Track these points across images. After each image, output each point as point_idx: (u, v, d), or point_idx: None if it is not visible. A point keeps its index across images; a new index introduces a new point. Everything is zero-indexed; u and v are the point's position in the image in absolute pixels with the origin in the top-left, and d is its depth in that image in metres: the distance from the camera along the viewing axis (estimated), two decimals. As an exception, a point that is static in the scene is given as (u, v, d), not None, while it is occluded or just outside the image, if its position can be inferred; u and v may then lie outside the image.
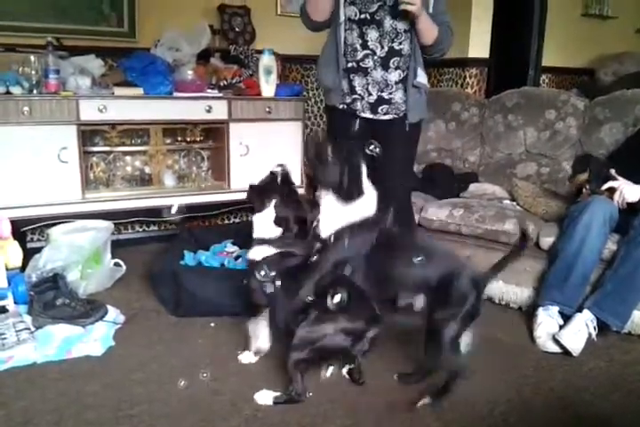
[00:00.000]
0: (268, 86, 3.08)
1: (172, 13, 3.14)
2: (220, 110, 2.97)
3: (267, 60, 3.04)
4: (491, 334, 2.24)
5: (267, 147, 3.10)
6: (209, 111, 2.94)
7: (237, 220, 3.66)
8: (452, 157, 3.19)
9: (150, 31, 3.11)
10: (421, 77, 2.23)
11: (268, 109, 3.08)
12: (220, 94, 2.99)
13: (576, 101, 2.94)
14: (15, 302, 2.24)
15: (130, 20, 3.11)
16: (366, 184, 1.77)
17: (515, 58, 4.10)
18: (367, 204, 1.78)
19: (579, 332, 2.08)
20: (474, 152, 3.18)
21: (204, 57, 3.14)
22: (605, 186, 2.23)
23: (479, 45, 3.79)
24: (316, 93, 3.70)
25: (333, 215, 1.76)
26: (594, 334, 2.12)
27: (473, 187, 2.90)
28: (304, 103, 3.27)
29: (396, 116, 2.27)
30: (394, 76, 2.21)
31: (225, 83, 3.08)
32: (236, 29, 3.36)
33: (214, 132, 3.12)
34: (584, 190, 2.33)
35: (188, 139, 3.13)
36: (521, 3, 4.18)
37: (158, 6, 3.13)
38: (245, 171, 3.07)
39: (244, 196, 3.10)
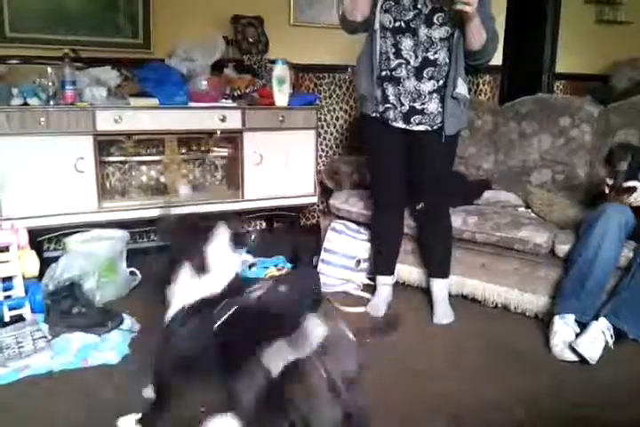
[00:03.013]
0: (281, 96, 3.10)
1: (186, 24, 3.18)
2: (233, 120, 2.99)
3: (280, 70, 3.06)
4: (507, 342, 2.23)
5: (280, 155, 3.11)
6: (223, 121, 2.96)
7: (250, 228, 3.67)
8: (465, 164, 3.18)
9: (165, 42, 3.15)
10: (461, 88, 2.18)
11: (281, 118, 3.09)
12: (234, 104, 3.01)
13: (590, 108, 2.92)
14: (32, 311, 2.27)
15: (145, 31, 3.14)
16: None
17: (528, 65, 4.09)
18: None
19: (595, 340, 2.05)
20: (488, 159, 3.16)
21: (218, 67, 3.17)
22: (629, 183, 2.20)
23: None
24: (329, 102, 3.72)
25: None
26: (611, 342, 2.09)
27: (487, 194, 2.89)
28: (317, 112, 3.28)
29: (429, 127, 2.23)
30: (427, 86, 2.17)
31: (239, 93, 3.10)
32: (250, 40, 3.38)
33: (228, 142, 3.15)
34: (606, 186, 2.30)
35: (203, 148, 3.16)
36: (534, 9, 4.18)
37: (173, 18, 3.17)
38: (259, 180, 3.09)
39: (257, 204, 3.16)
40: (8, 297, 2.27)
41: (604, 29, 4.64)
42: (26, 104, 2.58)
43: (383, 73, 2.21)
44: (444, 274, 2.50)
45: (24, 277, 2.33)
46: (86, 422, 1.67)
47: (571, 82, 4.57)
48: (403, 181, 2.39)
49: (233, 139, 3.06)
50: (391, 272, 2.61)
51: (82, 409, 1.73)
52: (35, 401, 1.77)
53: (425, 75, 2.16)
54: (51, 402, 1.76)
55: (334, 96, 3.73)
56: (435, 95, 2.20)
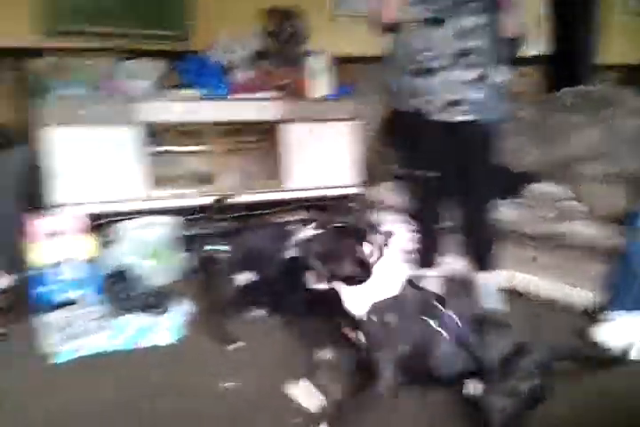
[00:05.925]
0: (319, 87, 3.09)
1: (226, 17, 3.20)
2: (272, 111, 3.00)
3: (317, 62, 3.06)
4: (554, 337, 2.18)
5: (318, 146, 3.12)
6: (262, 112, 2.97)
7: (291, 218, 3.67)
8: (510, 156, 3.12)
9: (205, 35, 3.18)
10: (500, 76, 2.15)
11: (318, 109, 3.09)
12: (273, 95, 3.02)
13: (638, 99, 2.86)
14: (89, 293, 2.30)
15: (186, 24, 3.17)
16: None
17: (573, 55, 3.99)
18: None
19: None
20: (533, 151, 3.11)
21: (256, 59, 3.18)
22: None
23: (536, 43, 3.72)
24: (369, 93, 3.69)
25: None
26: None
27: (534, 186, 2.85)
28: (354, 103, 3.27)
29: (469, 117, 2.18)
30: (464, 75, 2.13)
31: (277, 84, 3.11)
32: (289, 31, 3.38)
33: (267, 133, 3.15)
34: None
35: (243, 139, 3.18)
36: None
37: (213, 11, 3.20)
38: (298, 170, 3.10)
39: (297, 194, 3.16)
40: (66, 280, 2.31)
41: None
42: (74, 95, 2.62)
43: (417, 66, 2.17)
44: (490, 267, 2.47)
45: (81, 261, 2.37)
46: (142, 402, 1.69)
47: (618, 73, 4.46)
48: (440, 175, 2.34)
49: (272, 130, 3.07)
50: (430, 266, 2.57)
51: (137, 390, 1.76)
52: (92, 380, 1.81)
53: (462, 64, 2.12)
54: (107, 382, 1.80)
55: (388, 90, 3.69)
56: (473, 84, 2.15)
